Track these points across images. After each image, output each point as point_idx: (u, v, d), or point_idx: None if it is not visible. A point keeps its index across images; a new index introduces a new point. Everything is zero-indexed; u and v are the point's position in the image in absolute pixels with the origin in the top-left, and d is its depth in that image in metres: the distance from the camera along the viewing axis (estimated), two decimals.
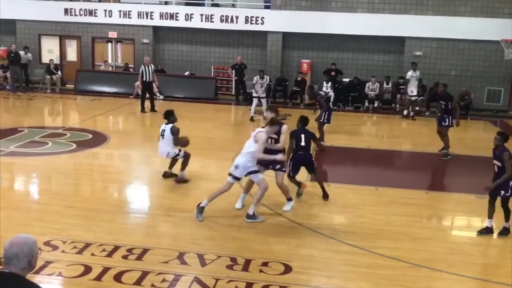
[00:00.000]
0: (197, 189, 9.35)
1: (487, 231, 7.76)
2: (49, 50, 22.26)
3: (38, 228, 7.12)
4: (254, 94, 16.49)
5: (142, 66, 16.85)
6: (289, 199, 8.44)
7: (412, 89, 17.82)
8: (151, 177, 10.30)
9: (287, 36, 20.41)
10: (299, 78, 19.66)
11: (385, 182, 10.32)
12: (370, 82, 19.19)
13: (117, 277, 5.95)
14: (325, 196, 8.94)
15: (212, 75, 21.04)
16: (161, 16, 20.89)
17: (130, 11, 21.01)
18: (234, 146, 12.39)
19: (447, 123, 12.24)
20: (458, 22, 18.91)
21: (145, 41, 21.29)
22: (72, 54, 22.39)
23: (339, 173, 11.58)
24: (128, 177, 10.44)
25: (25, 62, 20.30)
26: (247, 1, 21.18)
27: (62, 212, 7.94)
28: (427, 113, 16.36)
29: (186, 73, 21.08)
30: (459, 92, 18.06)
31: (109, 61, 22.04)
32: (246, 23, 20.34)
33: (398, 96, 18.87)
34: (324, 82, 18.11)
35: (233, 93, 20.68)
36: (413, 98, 17.81)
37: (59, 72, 20.99)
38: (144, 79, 16.69)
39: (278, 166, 8.12)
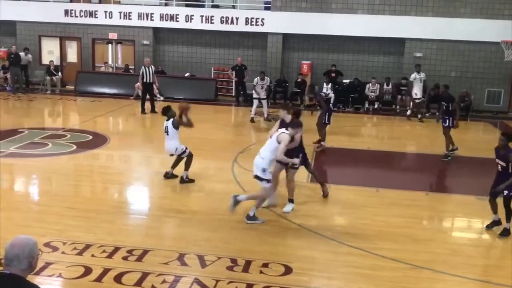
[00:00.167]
0: (198, 190, 9.36)
1: (495, 224, 7.83)
2: (49, 51, 22.27)
3: (38, 229, 7.11)
4: (254, 96, 16.48)
5: (143, 67, 16.87)
6: (291, 201, 8.44)
7: (416, 91, 17.83)
8: (151, 178, 10.30)
9: (287, 38, 20.42)
10: (299, 80, 19.67)
11: (386, 184, 10.31)
12: (370, 84, 19.19)
13: (117, 278, 5.95)
14: (325, 194, 9.03)
15: (212, 77, 21.05)
16: (161, 17, 20.90)
17: (130, 12, 21.02)
18: (234, 147, 12.44)
19: (447, 124, 12.28)
20: (458, 24, 18.92)
21: (145, 42, 21.30)
22: (72, 55, 22.40)
23: (339, 174, 11.57)
24: (129, 178, 10.43)
25: (25, 63, 20.34)
26: (247, 3, 21.19)
27: (62, 213, 7.93)
28: (427, 114, 16.37)
29: (186, 74, 21.08)
30: (459, 93, 18.04)
31: (109, 62, 22.04)
32: (246, 24, 20.35)
33: (399, 97, 18.87)
34: (324, 84, 18.11)
35: (233, 94, 20.68)
36: (417, 101, 17.81)
37: (59, 73, 21.00)
38: (145, 80, 16.70)
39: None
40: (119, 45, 22.14)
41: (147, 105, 16.86)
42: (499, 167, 7.65)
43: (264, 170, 7.54)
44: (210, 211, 8.22)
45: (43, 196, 9.14)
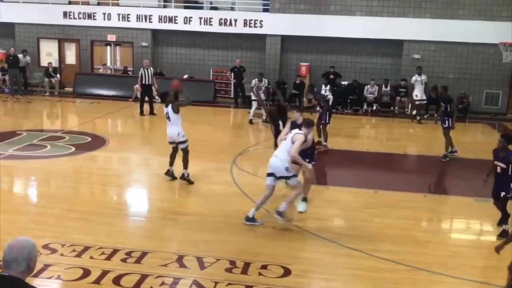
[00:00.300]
0: (196, 192, 9.35)
1: (503, 234, 7.50)
2: (48, 53, 22.25)
3: (37, 231, 7.09)
4: (253, 98, 16.48)
5: (142, 69, 16.88)
6: (305, 199, 8.48)
7: (417, 93, 17.85)
8: (150, 180, 10.29)
9: (285, 39, 20.43)
10: (297, 81, 19.67)
11: (385, 185, 10.31)
12: (368, 85, 19.22)
13: (116, 280, 5.94)
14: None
15: (211, 78, 21.05)
16: (160, 19, 20.91)
17: (129, 14, 21.03)
18: (233, 149, 12.44)
19: (447, 125, 12.32)
20: (456, 25, 18.95)
21: (144, 44, 21.30)
22: (71, 57, 22.40)
23: (338, 176, 11.57)
24: (127, 180, 10.42)
25: (24, 65, 20.33)
26: (246, 4, 21.22)
27: (61, 215, 7.92)
28: (425, 116, 16.39)
29: (185, 76, 21.02)
30: (457, 95, 18.06)
31: (108, 64, 22.05)
32: (244, 26, 20.37)
33: (398, 98, 18.89)
34: (323, 85, 18.13)
35: (232, 96, 20.69)
36: (417, 102, 17.83)
37: (58, 75, 20.99)
38: (144, 82, 16.71)
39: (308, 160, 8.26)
40: (117, 47, 22.15)
41: (146, 107, 16.87)
42: (499, 169, 7.65)
43: (287, 169, 7.63)
44: (209, 213, 8.21)
45: (41, 198, 9.13)
